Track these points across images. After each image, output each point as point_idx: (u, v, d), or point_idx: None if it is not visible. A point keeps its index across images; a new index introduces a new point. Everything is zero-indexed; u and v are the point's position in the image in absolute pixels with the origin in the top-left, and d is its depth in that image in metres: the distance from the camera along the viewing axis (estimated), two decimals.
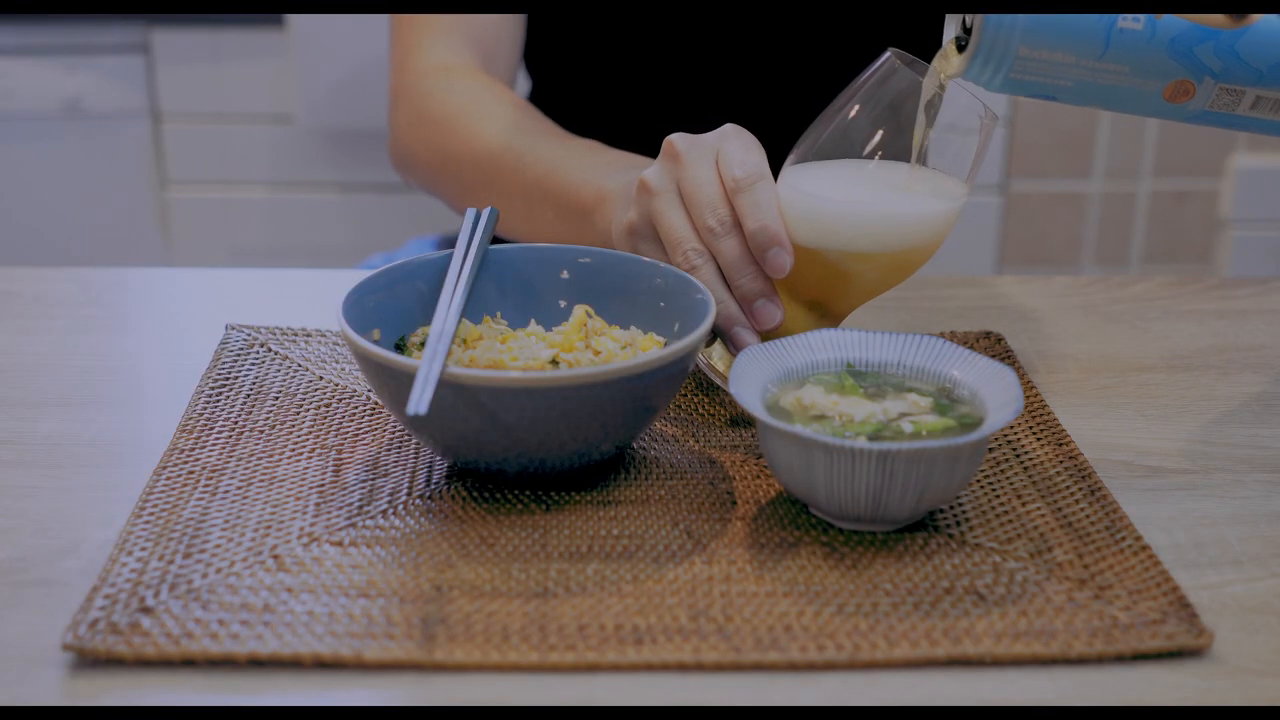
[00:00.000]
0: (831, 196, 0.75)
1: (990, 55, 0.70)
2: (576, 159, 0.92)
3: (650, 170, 0.78)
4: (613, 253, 0.79)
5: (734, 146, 0.76)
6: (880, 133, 0.76)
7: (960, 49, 0.72)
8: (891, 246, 0.76)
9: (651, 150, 0.86)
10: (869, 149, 0.76)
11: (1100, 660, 0.60)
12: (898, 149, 0.76)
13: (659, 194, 0.77)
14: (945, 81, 0.74)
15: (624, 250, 0.80)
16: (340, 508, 0.69)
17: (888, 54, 0.75)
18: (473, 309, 0.78)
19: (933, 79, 0.74)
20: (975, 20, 0.70)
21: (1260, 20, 0.69)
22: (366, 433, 0.77)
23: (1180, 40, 0.69)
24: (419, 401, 0.63)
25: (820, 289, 0.78)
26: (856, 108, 0.76)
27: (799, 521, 0.69)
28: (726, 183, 0.75)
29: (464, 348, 0.74)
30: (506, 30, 1.11)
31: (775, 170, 0.77)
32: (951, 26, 0.74)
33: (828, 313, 0.80)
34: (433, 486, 0.72)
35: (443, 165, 1.04)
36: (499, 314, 0.80)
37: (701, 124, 0.86)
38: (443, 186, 1.06)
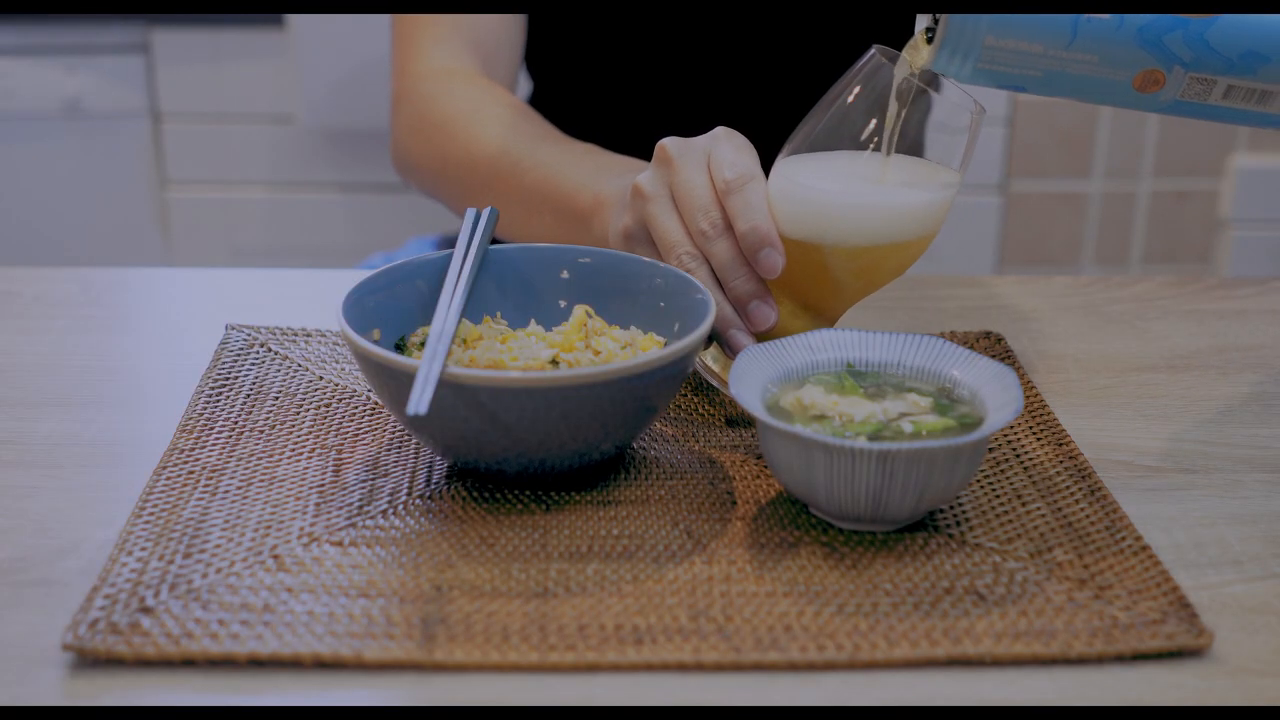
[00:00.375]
0: (823, 187, 0.75)
1: (957, 45, 0.70)
2: (574, 164, 0.93)
3: (643, 175, 0.78)
4: (613, 253, 0.79)
5: (725, 149, 0.76)
6: (871, 125, 0.76)
7: (930, 40, 0.72)
8: (884, 238, 0.75)
9: (649, 151, 0.86)
10: (860, 141, 0.76)
11: (1100, 660, 0.60)
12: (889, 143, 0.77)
13: (652, 199, 0.77)
14: (916, 71, 0.74)
15: (619, 249, 0.80)
16: (340, 508, 0.69)
17: (872, 50, 0.76)
18: (473, 309, 0.78)
19: (903, 68, 0.74)
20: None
21: None
22: (366, 433, 0.77)
23: (1149, 29, 0.68)
24: (419, 401, 0.63)
25: (815, 287, 0.78)
26: (845, 101, 0.76)
27: (799, 521, 0.69)
28: (717, 184, 0.75)
29: (464, 348, 0.74)
30: (506, 33, 1.11)
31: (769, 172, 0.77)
32: (923, 19, 0.74)
33: (823, 312, 0.80)
34: (433, 486, 0.72)
35: (442, 169, 1.04)
36: (499, 314, 0.80)
37: (699, 122, 0.86)
38: (443, 190, 1.06)
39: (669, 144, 0.77)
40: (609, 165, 0.91)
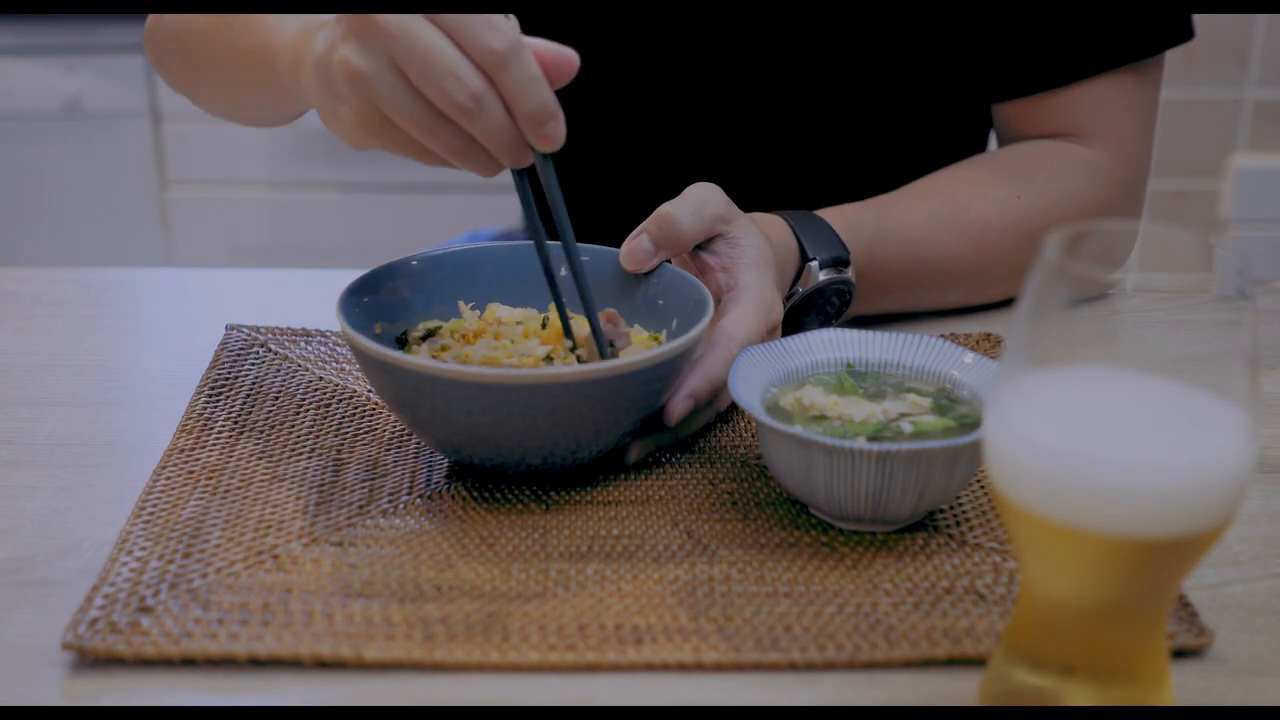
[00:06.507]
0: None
1: None
2: (279, 26, 0.80)
3: (347, 49, 0.64)
4: (612, 251, 0.79)
5: (467, 18, 0.63)
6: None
7: None
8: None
9: (643, 200, 0.82)
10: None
11: None
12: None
13: (374, 78, 0.64)
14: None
15: (361, 147, 0.70)
16: (340, 508, 0.69)
17: None
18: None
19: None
20: None
21: None
22: (366, 433, 0.77)
23: None
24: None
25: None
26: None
27: (799, 521, 0.69)
28: (480, 55, 0.63)
29: (463, 343, 0.74)
30: None
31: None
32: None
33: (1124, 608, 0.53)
34: (433, 486, 0.72)
35: (166, 34, 0.98)
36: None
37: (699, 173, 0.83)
38: (166, 59, 1.00)
39: (374, 17, 0.63)
40: (312, 25, 0.76)
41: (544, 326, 0.77)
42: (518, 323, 0.76)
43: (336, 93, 0.66)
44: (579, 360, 0.73)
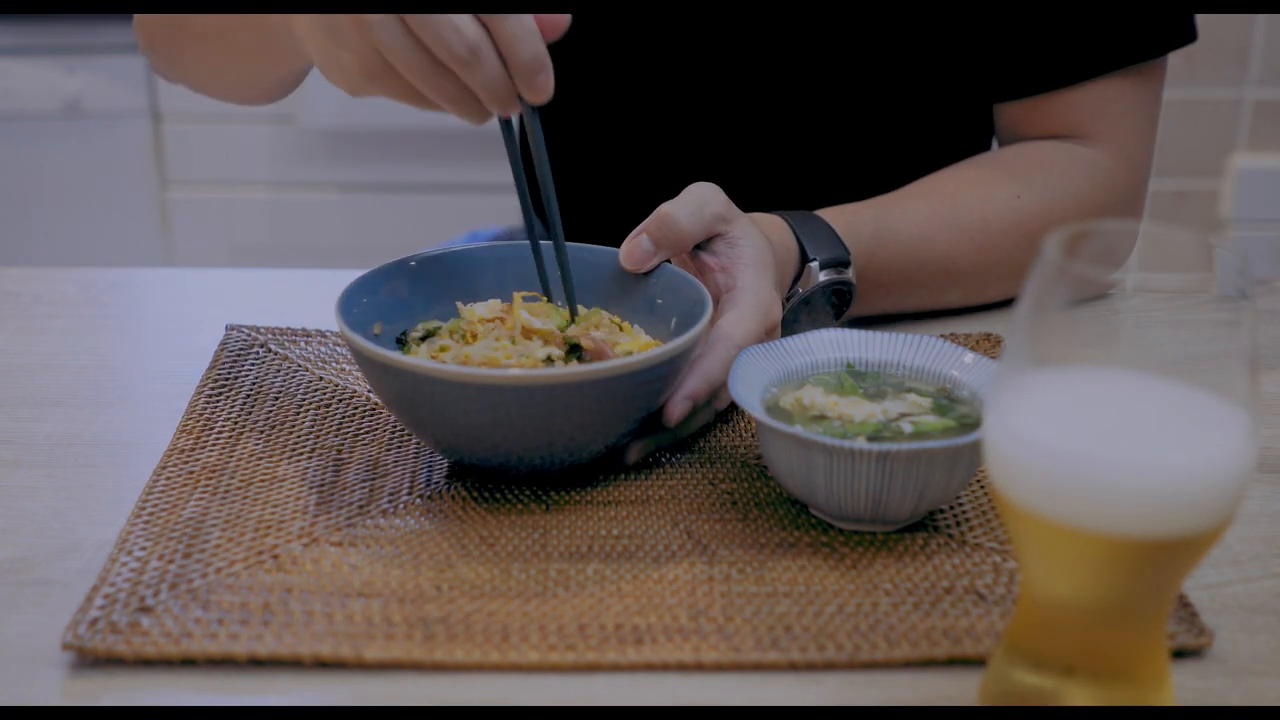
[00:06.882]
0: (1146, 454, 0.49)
1: None
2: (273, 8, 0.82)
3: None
4: (612, 250, 0.79)
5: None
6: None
7: None
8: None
9: (646, 193, 0.82)
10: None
11: None
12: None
13: (378, 24, 0.67)
14: None
15: (360, 94, 0.73)
16: (340, 508, 0.69)
17: None
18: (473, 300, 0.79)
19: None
20: None
21: None
22: (366, 433, 0.77)
23: None
24: None
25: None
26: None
27: (799, 521, 0.69)
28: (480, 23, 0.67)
29: (462, 343, 0.74)
30: None
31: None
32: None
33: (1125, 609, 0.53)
34: (433, 486, 0.72)
35: (156, 22, 0.99)
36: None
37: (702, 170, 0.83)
38: (157, 44, 1.00)
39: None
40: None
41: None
42: (491, 319, 0.76)
43: (340, 39, 0.69)
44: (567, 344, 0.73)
